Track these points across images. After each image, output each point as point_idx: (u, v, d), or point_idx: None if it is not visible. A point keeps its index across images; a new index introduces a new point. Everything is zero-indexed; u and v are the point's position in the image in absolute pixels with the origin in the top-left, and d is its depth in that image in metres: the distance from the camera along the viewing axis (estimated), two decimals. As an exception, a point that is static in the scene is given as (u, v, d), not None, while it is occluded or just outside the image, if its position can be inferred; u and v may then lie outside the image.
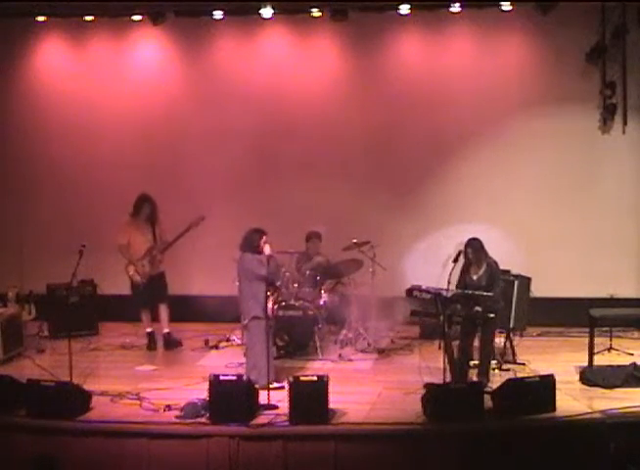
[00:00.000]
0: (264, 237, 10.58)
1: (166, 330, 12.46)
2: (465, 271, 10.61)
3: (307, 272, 12.30)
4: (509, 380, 9.87)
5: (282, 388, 10.07)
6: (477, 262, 10.54)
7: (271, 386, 9.98)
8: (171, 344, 12.42)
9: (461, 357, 10.46)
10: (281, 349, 11.76)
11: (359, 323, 12.28)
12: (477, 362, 10.69)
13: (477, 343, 10.69)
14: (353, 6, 12.63)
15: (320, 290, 12.29)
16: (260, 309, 10.39)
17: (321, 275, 12.38)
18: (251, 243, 10.58)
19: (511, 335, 11.44)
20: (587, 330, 10.99)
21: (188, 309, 13.35)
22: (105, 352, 12.35)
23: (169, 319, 12.48)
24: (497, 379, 10.36)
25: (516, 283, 11.49)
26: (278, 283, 11.12)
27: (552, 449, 9.09)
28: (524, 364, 11.17)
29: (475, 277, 10.55)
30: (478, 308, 10.32)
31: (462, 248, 10.55)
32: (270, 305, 10.44)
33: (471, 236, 10.68)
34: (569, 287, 12.76)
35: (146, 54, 13.81)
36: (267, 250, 10.47)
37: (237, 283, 10.93)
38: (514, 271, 11.80)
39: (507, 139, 13.12)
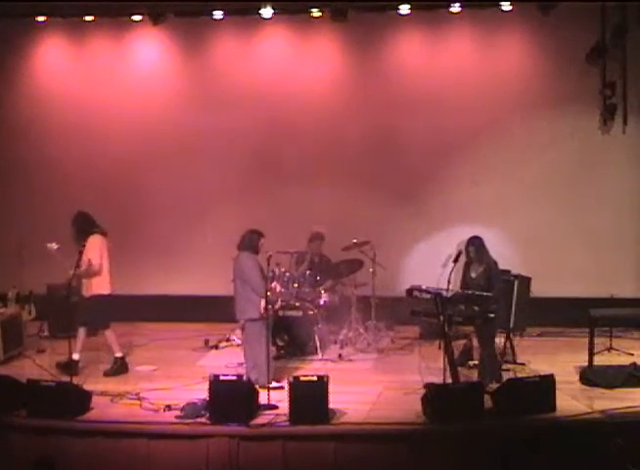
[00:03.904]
0: (262, 239, 10.59)
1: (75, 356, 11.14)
2: (466, 270, 10.62)
3: (307, 272, 12.31)
4: (509, 380, 9.87)
5: (281, 388, 10.09)
6: (477, 260, 10.55)
7: (270, 385, 9.98)
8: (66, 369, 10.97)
9: (461, 357, 10.47)
10: (281, 349, 11.76)
11: (359, 323, 12.29)
12: (476, 362, 10.70)
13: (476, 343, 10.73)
14: (353, 6, 12.64)
15: (320, 290, 12.30)
16: (255, 311, 10.40)
17: (321, 275, 12.40)
18: (250, 243, 10.59)
19: (511, 335, 11.44)
20: (587, 330, 10.99)
21: (187, 309, 13.38)
22: (105, 352, 12.33)
23: (82, 345, 11.28)
24: (497, 379, 10.39)
25: (516, 283, 11.47)
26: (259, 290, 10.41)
27: (552, 449, 9.08)
28: (524, 364, 11.17)
29: (473, 275, 10.56)
30: (475, 308, 10.32)
31: (462, 248, 10.56)
32: (263, 303, 10.36)
33: (473, 234, 10.69)
34: (569, 287, 12.76)
35: (146, 54, 13.81)
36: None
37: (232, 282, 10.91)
38: (514, 271, 11.80)
39: (507, 138, 13.12)
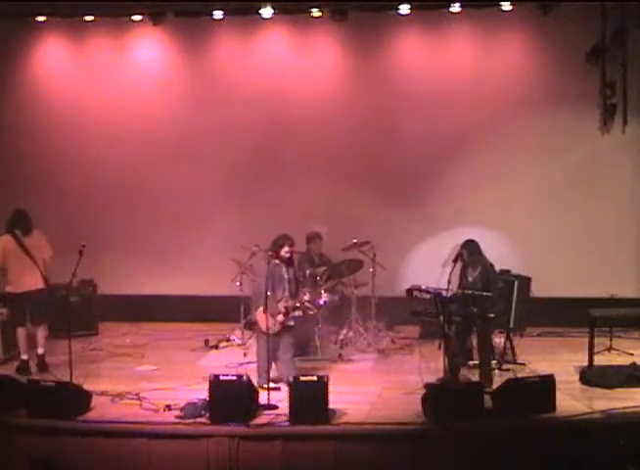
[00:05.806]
0: (286, 246, 10.52)
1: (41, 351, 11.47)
2: (462, 274, 10.63)
3: (307, 272, 12.30)
4: (509, 380, 9.87)
5: (277, 389, 10.14)
6: (472, 264, 10.55)
7: (265, 386, 9.99)
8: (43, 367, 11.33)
9: (454, 357, 10.48)
10: (281, 349, 11.76)
11: (359, 323, 12.29)
12: (477, 362, 10.70)
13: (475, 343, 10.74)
14: (353, 6, 12.63)
15: (320, 290, 12.29)
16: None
17: (321, 275, 12.40)
18: (272, 247, 10.57)
19: (511, 335, 11.43)
20: (587, 330, 10.99)
21: (187, 309, 13.38)
22: (105, 351, 12.35)
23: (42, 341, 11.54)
24: (497, 379, 10.37)
25: (516, 283, 11.47)
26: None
27: (552, 449, 9.08)
28: (524, 364, 11.17)
29: (470, 279, 10.56)
30: (473, 309, 10.33)
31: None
32: (259, 311, 10.37)
33: (468, 237, 10.69)
34: (569, 287, 12.76)
35: (146, 54, 13.81)
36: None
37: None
38: (514, 271, 11.80)
39: (507, 138, 13.12)
